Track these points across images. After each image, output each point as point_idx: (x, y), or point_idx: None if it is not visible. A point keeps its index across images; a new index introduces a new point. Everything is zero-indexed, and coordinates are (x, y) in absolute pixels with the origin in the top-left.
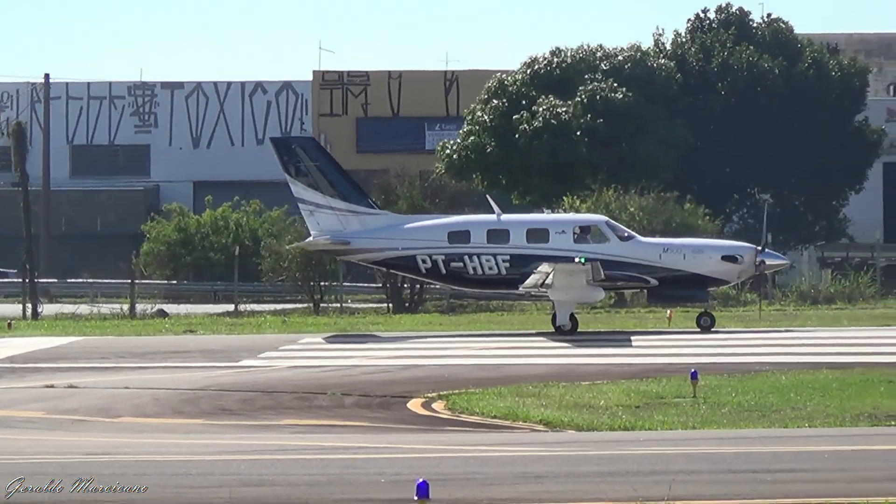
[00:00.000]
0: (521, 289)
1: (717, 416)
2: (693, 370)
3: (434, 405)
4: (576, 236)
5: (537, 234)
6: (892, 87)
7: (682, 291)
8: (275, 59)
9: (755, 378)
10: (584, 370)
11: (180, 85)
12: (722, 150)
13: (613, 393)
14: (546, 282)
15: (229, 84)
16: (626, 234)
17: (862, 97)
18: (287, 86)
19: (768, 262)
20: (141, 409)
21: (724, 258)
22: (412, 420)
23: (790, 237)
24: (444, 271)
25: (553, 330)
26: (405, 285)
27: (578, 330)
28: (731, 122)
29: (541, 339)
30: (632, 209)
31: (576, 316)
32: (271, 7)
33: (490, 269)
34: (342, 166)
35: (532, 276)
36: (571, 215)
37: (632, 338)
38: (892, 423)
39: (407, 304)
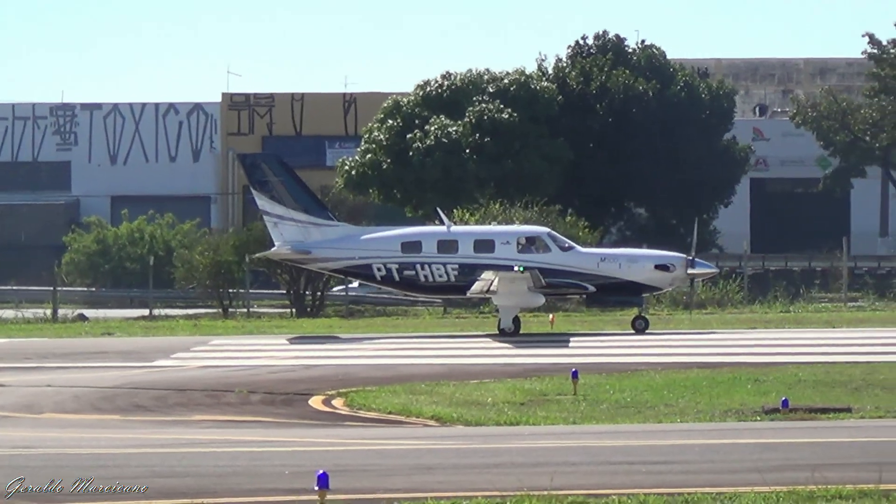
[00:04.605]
0: (468, 294)
1: (595, 413)
2: (574, 370)
3: (334, 402)
4: (520, 247)
5: (484, 244)
6: (757, 108)
7: (618, 297)
8: (186, 82)
9: (631, 377)
10: (473, 370)
11: (99, 106)
12: (600, 166)
13: (500, 391)
14: (490, 288)
15: (144, 105)
16: (566, 245)
17: (730, 118)
18: (198, 107)
19: (698, 270)
20: (62, 405)
21: (657, 267)
22: (313, 416)
23: (663, 248)
24: (397, 279)
25: (497, 332)
26: (307, 292)
27: (521, 332)
28: (609, 141)
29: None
30: (517, 221)
31: (519, 319)
32: (183, 33)
33: (440, 276)
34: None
35: (477, 283)
36: (516, 227)
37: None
38: (757, 418)
39: (309, 309)
